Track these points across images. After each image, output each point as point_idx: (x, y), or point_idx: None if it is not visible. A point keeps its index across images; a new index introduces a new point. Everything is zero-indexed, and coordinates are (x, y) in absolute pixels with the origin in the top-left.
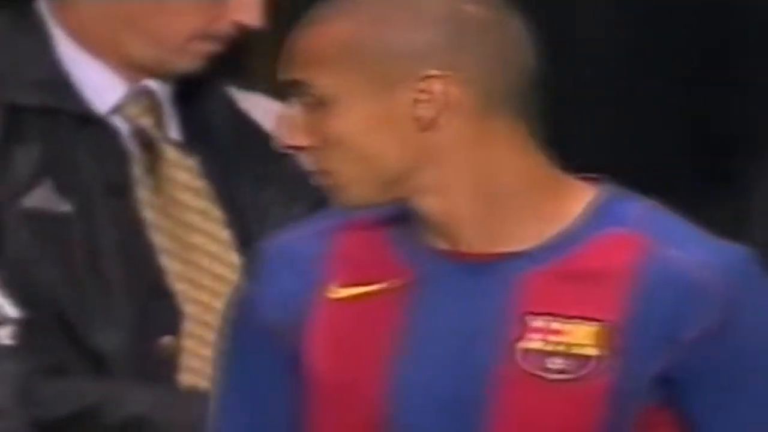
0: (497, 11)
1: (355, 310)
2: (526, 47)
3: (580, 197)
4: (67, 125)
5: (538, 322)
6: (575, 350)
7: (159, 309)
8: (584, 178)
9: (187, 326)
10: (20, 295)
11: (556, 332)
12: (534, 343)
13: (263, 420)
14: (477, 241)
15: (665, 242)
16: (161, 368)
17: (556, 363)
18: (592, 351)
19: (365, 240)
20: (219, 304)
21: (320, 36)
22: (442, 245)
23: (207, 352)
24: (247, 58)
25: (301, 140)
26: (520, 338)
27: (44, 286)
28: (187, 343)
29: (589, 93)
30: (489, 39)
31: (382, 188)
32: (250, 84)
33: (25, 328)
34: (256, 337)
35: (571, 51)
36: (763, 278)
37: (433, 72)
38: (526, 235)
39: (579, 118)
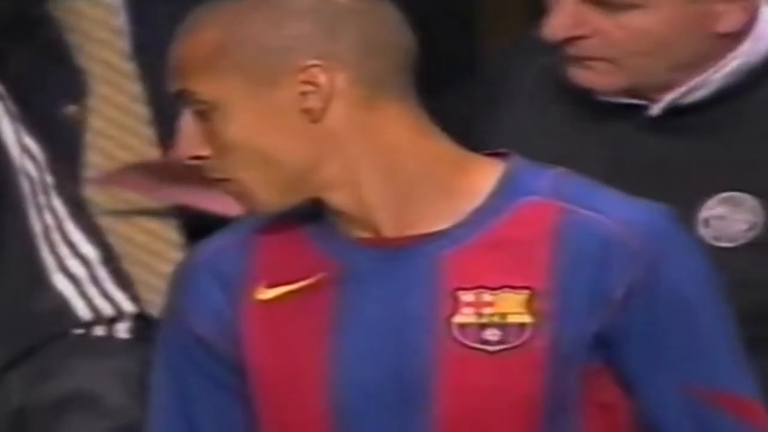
0: None
1: (286, 308)
2: (397, 30)
3: (489, 172)
4: None
5: (469, 297)
6: (510, 319)
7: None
8: (489, 154)
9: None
10: None
11: (488, 304)
12: (468, 317)
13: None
14: (394, 227)
15: (582, 206)
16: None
17: (494, 334)
18: (526, 318)
19: (285, 239)
20: (126, 66)
21: (192, 44)
22: (362, 234)
23: (113, 113)
24: None
25: (200, 151)
26: (453, 314)
27: None
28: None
29: None
30: (360, 25)
31: (288, 188)
32: None
33: (141, 322)
34: (187, 352)
35: None
36: (681, 231)
37: (312, 62)
38: (442, 214)
39: None
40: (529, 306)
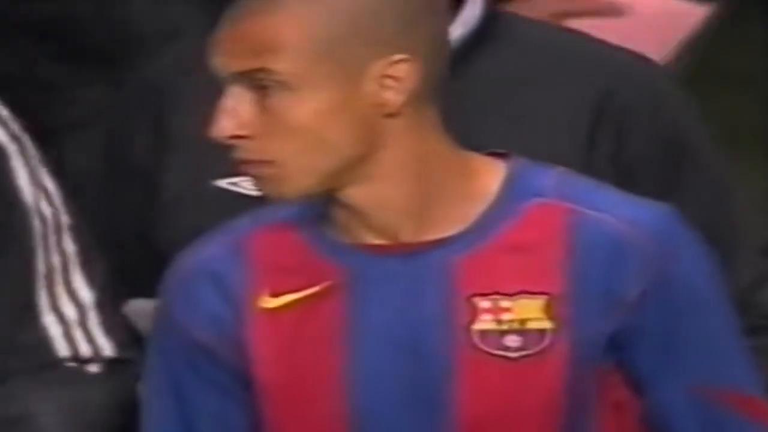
0: None
1: (294, 317)
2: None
3: (493, 174)
4: None
5: (486, 303)
6: (529, 325)
7: None
8: (490, 154)
9: None
10: None
11: (506, 310)
12: (487, 323)
13: None
14: (409, 231)
15: (589, 206)
16: None
17: (514, 340)
18: (545, 324)
19: (281, 245)
20: None
21: (281, 22)
22: (372, 239)
23: None
24: None
25: (244, 130)
26: (472, 321)
27: None
28: None
29: None
30: (434, 23)
31: (328, 178)
32: None
33: (117, 364)
34: (187, 359)
35: None
36: (685, 229)
37: (400, 56)
38: (453, 218)
39: None
40: (548, 311)
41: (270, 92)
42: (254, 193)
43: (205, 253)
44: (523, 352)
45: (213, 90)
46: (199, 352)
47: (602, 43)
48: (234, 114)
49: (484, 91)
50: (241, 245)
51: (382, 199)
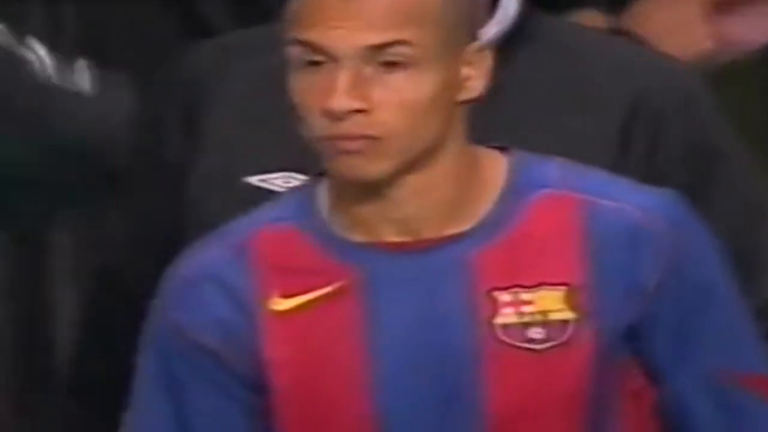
0: None
1: (308, 318)
2: None
3: (496, 167)
4: None
5: (506, 296)
6: (552, 317)
7: None
8: (490, 147)
9: None
10: None
11: (528, 303)
12: (509, 317)
13: None
14: (433, 225)
15: (599, 195)
16: None
17: (538, 332)
18: (568, 315)
19: (286, 245)
20: None
21: None
22: (388, 236)
23: None
24: None
25: (364, 104)
26: (493, 315)
27: None
28: None
29: None
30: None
31: (407, 161)
32: None
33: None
34: (183, 360)
35: None
36: (693, 215)
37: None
38: (466, 213)
39: None
40: (569, 301)
41: (395, 67)
42: (284, 190)
43: (206, 256)
44: (548, 344)
45: (245, 85)
46: (200, 354)
47: (636, 46)
48: (354, 87)
49: (515, 91)
50: (243, 247)
51: (426, 190)
